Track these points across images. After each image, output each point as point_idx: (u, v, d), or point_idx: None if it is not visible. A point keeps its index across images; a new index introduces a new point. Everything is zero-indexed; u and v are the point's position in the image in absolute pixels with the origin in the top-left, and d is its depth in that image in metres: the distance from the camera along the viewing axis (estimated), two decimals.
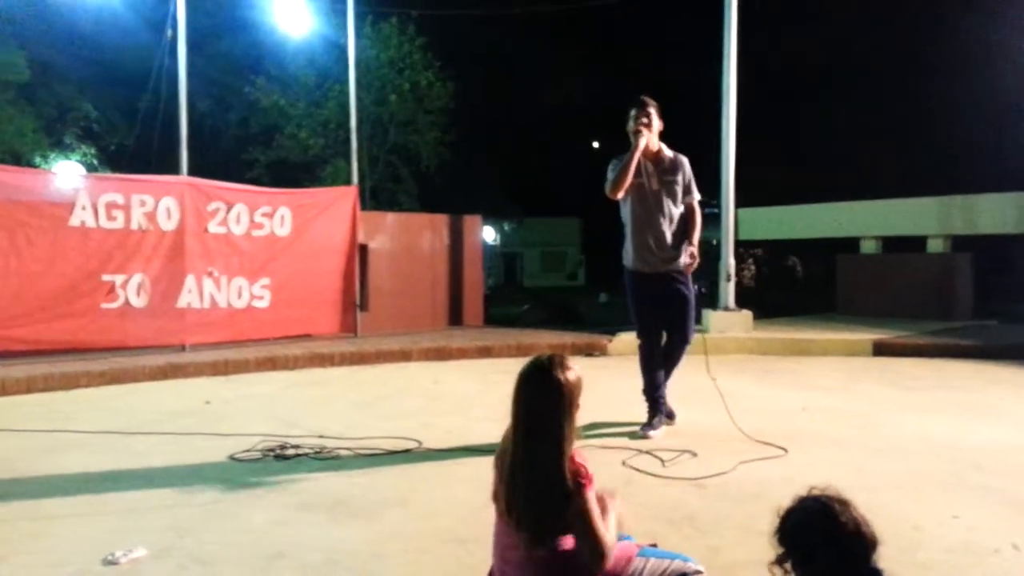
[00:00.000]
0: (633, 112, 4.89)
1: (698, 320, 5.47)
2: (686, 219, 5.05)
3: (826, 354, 8.57)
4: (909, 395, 6.36)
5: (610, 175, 4.88)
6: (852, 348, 8.62)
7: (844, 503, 1.83)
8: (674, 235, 4.98)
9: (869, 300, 11.43)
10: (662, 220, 4.95)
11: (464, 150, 21.69)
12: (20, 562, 3.00)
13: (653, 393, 5.04)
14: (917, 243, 11.79)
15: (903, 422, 5.34)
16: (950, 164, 17.58)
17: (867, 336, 8.85)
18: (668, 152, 5.02)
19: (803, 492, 1.91)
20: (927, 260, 11.40)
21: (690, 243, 4.93)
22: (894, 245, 12.34)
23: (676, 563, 2.26)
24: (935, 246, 11.43)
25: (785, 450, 4.48)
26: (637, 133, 4.82)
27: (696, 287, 5.16)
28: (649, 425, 4.96)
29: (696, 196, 5.08)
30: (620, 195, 4.89)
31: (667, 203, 4.96)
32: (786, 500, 1.92)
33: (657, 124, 4.91)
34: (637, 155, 4.80)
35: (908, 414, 5.60)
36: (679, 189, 5.00)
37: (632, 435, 4.91)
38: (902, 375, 7.27)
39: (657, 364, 5.04)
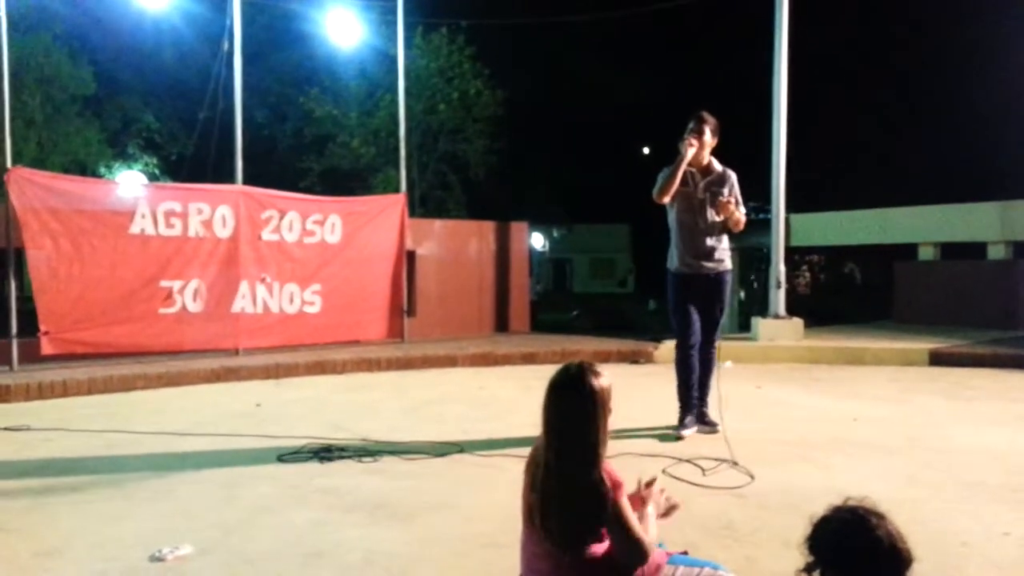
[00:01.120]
0: (690, 125, 5.15)
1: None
2: (729, 229, 5.25)
3: (880, 363, 8.35)
4: (965, 406, 6.17)
5: (659, 181, 5.15)
6: (907, 357, 8.39)
7: (880, 516, 1.79)
8: (716, 242, 5.22)
9: (927, 308, 11.10)
10: (705, 227, 5.18)
11: (513, 157, 21.79)
12: (73, 556, 3.13)
13: (686, 392, 5.21)
14: (977, 249, 11.42)
15: (957, 434, 5.19)
16: (1012, 168, 16.99)
17: (923, 345, 8.60)
18: (718, 166, 5.27)
19: (838, 502, 1.88)
20: (988, 267, 11.03)
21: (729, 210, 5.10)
22: (953, 251, 11.97)
23: (706, 571, 2.25)
24: (996, 252, 11.05)
25: (752, 477, 4.13)
26: (686, 144, 5.05)
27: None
28: (681, 425, 5.13)
29: (743, 209, 5.25)
30: (666, 200, 5.13)
31: (711, 212, 5.18)
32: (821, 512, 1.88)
33: (710, 140, 5.18)
34: (684, 164, 5.05)
35: (963, 425, 5.44)
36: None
37: (663, 436, 5.02)
38: (959, 385, 7.04)
39: (692, 365, 5.21)
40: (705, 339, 5.25)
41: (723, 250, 5.25)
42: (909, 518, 1.73)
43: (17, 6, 14.06)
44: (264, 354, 8.15)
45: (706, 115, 5.18)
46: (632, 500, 2.29)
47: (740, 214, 5.17)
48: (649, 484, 2.47)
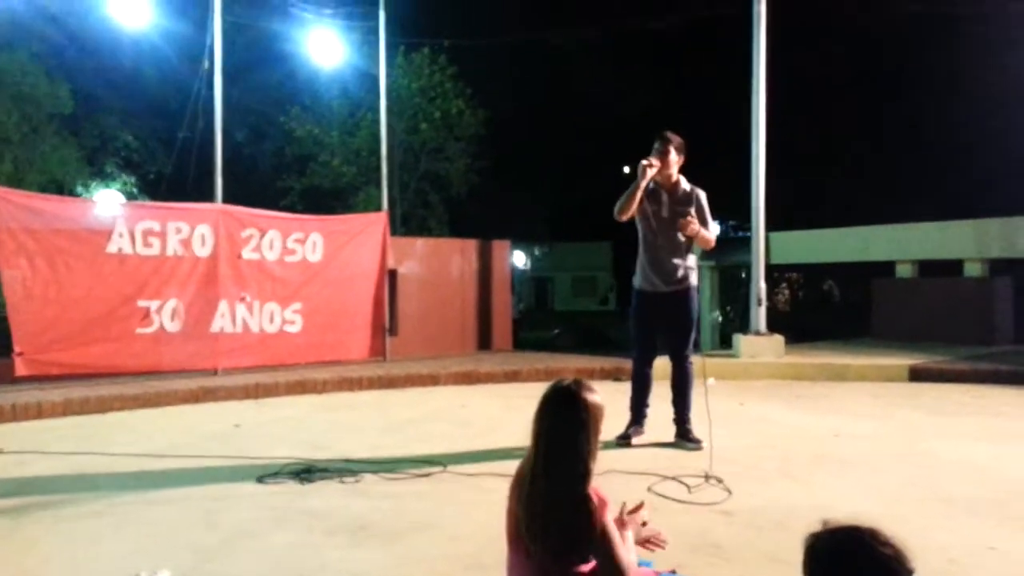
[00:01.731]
0: (655, 145, 5.20)
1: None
2: (698, 247, 5.32)
3: (861, 379, 8.40)
4: (947, 421, 6.21)
5: (620, 199, 5.19)
6: (887, 373, 8.44)
7: (876, 531, 1.76)
8: (680, 260, 5.26)
9: (905, 325, 11.21)
10: (669, 246, 5.22)
11: (495, 176, 21.81)
12: None
13: (639, 405, 5.41)
14: (954, 267, 11.57)
15: (940, 449, 5.21)
16: (987, 186, 17.27)
17: (903, 361, 8.66)
18: (686, 185, 5.31)
19: (827, 522, 1.81)
20: (964, 284, 11.17)
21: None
22: (930, 269, 12.12)
23: None
24: (972, 270, 11.20)
25: (729, 492, 4.16)
26: (645, 164, 5.07)
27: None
28: (626, 433, 5.32)
29: (712, 228, 5.33)
30: (624, 218, 5.21)
31: (676, 232, 5.20)
32: (814, 529, 1.81)
33: (675, 158, 5.22)
34: (643, 184, 5.08)
35: (945, 441, 5.47)
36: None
37: (612, 444, 5.17)
38: (939, 401, 7.10)
39: (647, 380, 5.41)
40: (677, 355, 5.32)
41: (687, 268, 5.27)
42: (894, 535, 1.69)
43: None
44: (244, 374, 8.05)
45: (670, 134, 5.22)
46: (615, 523, 2.26)
47: (708, 233, 5.21)
48: (634, 510, 2.45)
